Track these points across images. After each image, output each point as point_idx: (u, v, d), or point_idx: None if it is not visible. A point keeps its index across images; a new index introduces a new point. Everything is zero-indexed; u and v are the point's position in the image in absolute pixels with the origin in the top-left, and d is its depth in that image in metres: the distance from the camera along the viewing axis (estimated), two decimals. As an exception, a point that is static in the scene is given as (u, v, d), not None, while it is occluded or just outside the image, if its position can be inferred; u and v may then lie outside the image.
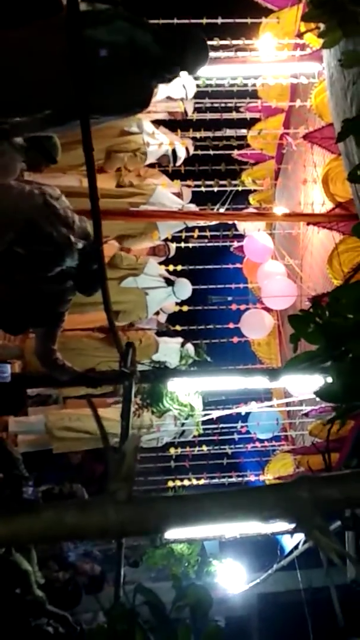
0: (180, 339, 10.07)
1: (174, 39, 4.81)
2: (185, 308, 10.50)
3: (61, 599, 7.60)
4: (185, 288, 9.78)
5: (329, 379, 2.43)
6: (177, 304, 10.30)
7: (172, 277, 9.84)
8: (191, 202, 10.29)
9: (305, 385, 8.38)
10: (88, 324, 9.04)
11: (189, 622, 2.70)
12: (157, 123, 10.07)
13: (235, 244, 11.43)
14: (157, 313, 10.37)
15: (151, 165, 10.12)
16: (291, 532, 9.72)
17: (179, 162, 10.08)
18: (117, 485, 1.60)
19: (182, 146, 9.97)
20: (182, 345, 9.78)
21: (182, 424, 9.68)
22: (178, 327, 10.44)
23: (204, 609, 2.76)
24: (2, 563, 5.92)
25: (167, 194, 9.82)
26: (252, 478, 10.38)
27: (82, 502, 1.60)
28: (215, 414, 9.81)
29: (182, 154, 10.04)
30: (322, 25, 3.98)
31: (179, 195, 10.18)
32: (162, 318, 10.80)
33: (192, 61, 4.90)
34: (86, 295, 6.13)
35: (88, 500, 1.62)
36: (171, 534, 8.99)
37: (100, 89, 4.25)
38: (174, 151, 9.96)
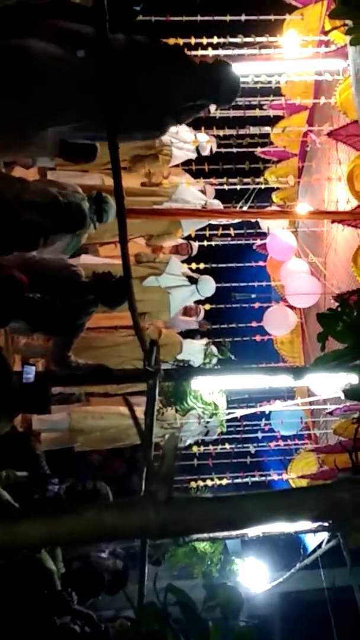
0: (204, 340, 10.05)
1: (207, 81, 4.82)
2: (207, 306, 10.49)
3: (83, 586, 7.66)
4: (208, 286, 9.73)
5: (357, 378, 2.41)
6: (200, 302, 10.27)
7: (195, 275, 9.80)
8: (215, 199, 10.25)
9: (329, 384, 8.34)
10: (112, 322, 9.04)
11: (219, 622, 2.69)
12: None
13: (259, 241, 11.39)
14: (187, 314, 10.33)
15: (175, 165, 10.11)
16: (314, 531, 9.68)
17: (205, 152, 10.03)
18: (156, 486, 1.59)
19: (206, 139, 9.92)
20: (207, 345, 9.75)
21: (206, 424, 9.66)
22: (206, 325, 10.45)
23: (235, 609, 2.75)
24: (27, 561, 5.93)
25: (190, 190, 9.80)
26: (275, 477, 10.35)
27: (122, 503, 1.59)
28: (238, 412, 9.78)
29: (205, 147, 10.00)
30: (349, 22, 3.96)
31: (202, 192, 10.17)
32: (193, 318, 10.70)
33: (225, 99, 5.09)
34: (111, 308, 6.21)
35: (128, 500, 1.61)
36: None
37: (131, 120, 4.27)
38: (196, 148, 9.95)
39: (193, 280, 9.62)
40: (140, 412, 7.74)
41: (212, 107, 9.74)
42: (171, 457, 1.63)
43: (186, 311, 10.30)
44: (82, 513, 1.55)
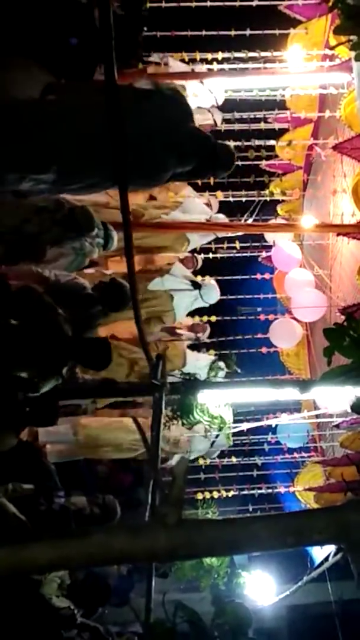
0: (210, 353, 10.03)
1: (206, 163, 4.94)
2: (213, 318, 10.49)
3: (89, 595, 7.68)
4: (212, 292, 9.67)
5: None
6: (206, 314, 10.27)
7: (198, 280, 9.77)
8: (220, 212, 10.26)
9: (335, 397, 8.33)
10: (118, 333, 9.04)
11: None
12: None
13: (264, 254, 11.41)
14: (193, 330, 10.31)
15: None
16: (322, 545, 9.64)
17: None
18: (166, 509, 1.60)
19: None
20: (214, 362, 9.71)
21: (213, 442, 9.64)
22: (207, 339, 10.43)
23: (244, 627, 2.75)
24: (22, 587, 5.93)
25: (196, 204, 9.81)
26: (282, 490, 10.32)
27: (132, 526, 1.59)
28: (245, 425, 9.77)
29: None
30: (353, 38, 3.98)
31: (208, 205, 10.18)
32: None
33: (221, 173, 5.32)
34: (116, 312, 6.26)
35: (138, 523, 1.61)
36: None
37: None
38: None
39: (197, 285, 9.58)
40: (147, 424, 7.76)
41: (218, 120, 9.80)
42: (181, 481, 1.63)
43: (192, 327, 10.28)
44: (91, 537, 1.55)
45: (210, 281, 9.96)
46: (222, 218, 10.03)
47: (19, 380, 5.66)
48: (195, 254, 10.40)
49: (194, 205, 9.79)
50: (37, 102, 4.59)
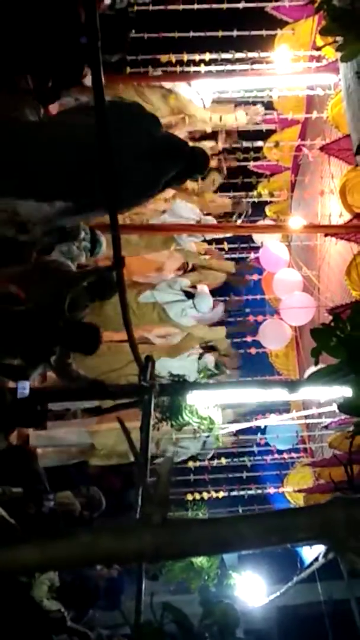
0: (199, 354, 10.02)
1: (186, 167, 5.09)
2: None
3: (79, 597, 7.70)
4: (205, 300, 9.68)
5: (351, 392, 2.43)
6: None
7: (191, 290, 9.78)
8: (209, 215, 10.26)
9: (324, 398, 8.34)
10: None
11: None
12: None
13: (252, 255, 11.43)
14: None
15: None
16: (310, 544, 9.66)
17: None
18: (151, 509, 1.60)
19: None
20: (200, 357, 9.72)
21: (204, 443, 9.64)
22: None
23: (232, 627, 2.75)
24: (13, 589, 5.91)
25: (185, 206, 9.81)
26: (272, 490, 10.33)
27: (117, 527, 1.60)
28: (234, 426, 9.77)
29: None
30: (339, 38, 3.99)
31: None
32: None
33: (197, 176, 5.81)
34: (101, 299, 6.28)
35: (123, 525, 1.61)
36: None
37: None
38: None
39: (189, 295, 9.59)
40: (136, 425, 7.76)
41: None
42: (166, 480, 1.63)
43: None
44: (77, 538, 1.55)
45: (203, 289, 9.94)
46: (210, 220, 10.04)
47: (6, 368, 5.67)
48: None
49: (184, 208, 9.79)
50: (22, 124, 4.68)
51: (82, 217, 5.31)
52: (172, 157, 4.87)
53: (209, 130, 9.79)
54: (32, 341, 5.40)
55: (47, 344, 5.58)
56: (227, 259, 11.26)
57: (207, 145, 9.86)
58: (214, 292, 10.14)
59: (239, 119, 9.74)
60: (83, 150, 4.23)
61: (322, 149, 8.61)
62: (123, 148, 4.31)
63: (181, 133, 9.71)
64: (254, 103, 9.91)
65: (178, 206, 9.59)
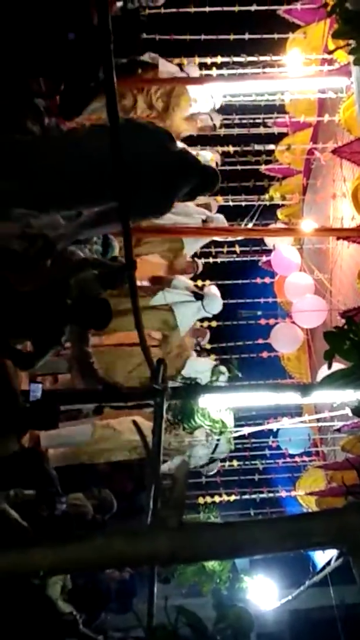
0: (211, 361, 9.98)
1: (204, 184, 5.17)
2: (214, 324, 10.48)
3: (91, 599, 7.70)
4: (215, 302, 9.62)
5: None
6: (206, 319, 10.25)
7: (200, 292, 9.75)
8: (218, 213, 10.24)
9: (337, 401, 8.33)
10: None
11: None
12: (185, 140, 10.06)
13: (264, 258, 11.42)
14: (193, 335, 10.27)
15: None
16: (324, 548, 9.64)
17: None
18: (167, 512, 1.60)
19: (210, 156, 9.90)
20: (215, 366, 9.68)
21: (215, 446, 9.61)
22: (207, 345, 10.43)
23: (246, 631, 2.74)
24: (27, 589, 5.91)
25: (190, 206, 9.78)
26: (284, 494, 10.32)
27: (132, 530, 1.59)
28: (246, 430, 9.76)
29: (208, 161, 9.94)
30: (352, 42, 3.99)
31: (206, 208, 10.15)
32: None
33: (207, 193, 5.68)
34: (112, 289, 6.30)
35: (139, 528, 1.61)
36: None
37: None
38: None
39: (198, 296, 9.57)
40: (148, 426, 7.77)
41: (217, 122, 9.78)
42: (182, 484, 1.63)
43: (193, 332, 10.26)
44: (92, 540, 1.56)
45: (212, 290, 9.92)
46: (221, 219, 10.01)
47: (17, 353, 5.68)
48: (196, 259, 10.40)
49: (189, 207, 9.74)
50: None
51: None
52: (187, 174, 4.91)
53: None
54: (39, 320, 5.41)
55: (56, 323, 5.57)
56: (239, 261, 11.26)
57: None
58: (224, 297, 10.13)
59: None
60: (98, 161, 4.27)
61: (334, 152, 8.58)
62: (138, 161, 4.33)
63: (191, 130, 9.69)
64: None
65: (183, 206, 9.54)
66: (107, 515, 7.24)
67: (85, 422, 9.06)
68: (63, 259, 5.86)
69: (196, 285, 10.02)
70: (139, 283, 9.30)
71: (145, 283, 9.50)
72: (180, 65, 9.20)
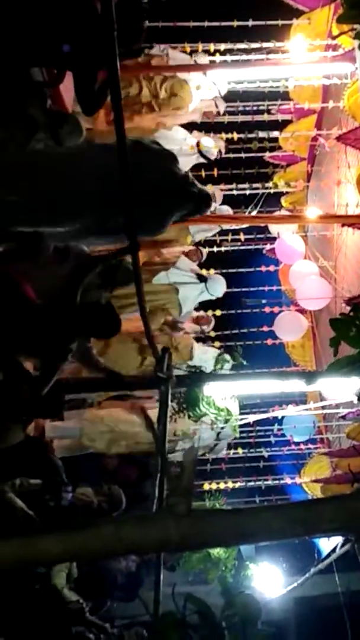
0: (216, 350, 9.98)
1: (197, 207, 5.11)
2: (218, 312, 10.49)
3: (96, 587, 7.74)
4: (218, 284, 9.64)
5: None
6: (211, 307, 10.25)
7: (204, 274, 9.75)
8: (224, 204, 10.22)
9: (342, 388, 8.32)
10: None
11: (237, 630, 2.68)
12: (188, 126, 10.01)
13: (268, 246, 11.40)
14: (198, 322, 10.27)
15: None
16: (333, 535, 9.65)
17: (212, 157, 9.94)
18: (176, 499, 1.59)
19: (212, 143, 9.83)
20: (220, 354, 9.68)
21: (218, 434, 9.64)
22: (212, 333, 10.44)
23: (254, 618, 2.75)
24: (34, 579, 5.93)
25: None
26: (289, 481, 10.33)
27: (141, 517, 1.59)
28: (251, 417, 9.77)
29: (211, 148, 9.88)
30: (356, 26, 3.96)
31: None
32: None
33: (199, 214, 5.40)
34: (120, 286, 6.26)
35: (148, 514, 1.61)
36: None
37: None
38: (201, 153, 9.85)
39: (202, 279, 9.57)
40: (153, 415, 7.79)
41: (222, 108, 9.72)
42: (190, 471, 1.62)
43: (197, 319, 10.26)
44: (101, 529, 1.55)
45: (215, 274, 9.93)
46: (225, 210, 10.00)
47: (24, 375, 5.61)
48: (200, 247, 10.38)
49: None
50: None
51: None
52: (184, 200, 4.91)
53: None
54: (46, 340, 5.33)
55: (63, 342, 5.50)
56: (244, 250, 11.25)
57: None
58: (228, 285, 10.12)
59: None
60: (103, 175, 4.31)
61: (338, 138, 8.54)
62: (141, 180, 4.32)
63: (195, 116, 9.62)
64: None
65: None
66: (115, 513, 7.20)
67: (79, 414, 9.09)
68: (74, 258, 5.82)
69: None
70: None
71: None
72: (191, 54, 9.16)
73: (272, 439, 10.19)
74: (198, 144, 9.59)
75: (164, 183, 4.76)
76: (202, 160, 9.79)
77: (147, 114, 8.74)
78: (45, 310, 5.23)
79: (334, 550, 10.32)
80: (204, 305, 10.21)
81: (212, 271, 10.29)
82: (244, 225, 10.37)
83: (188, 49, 9.13)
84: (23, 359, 5.63)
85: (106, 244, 5.64)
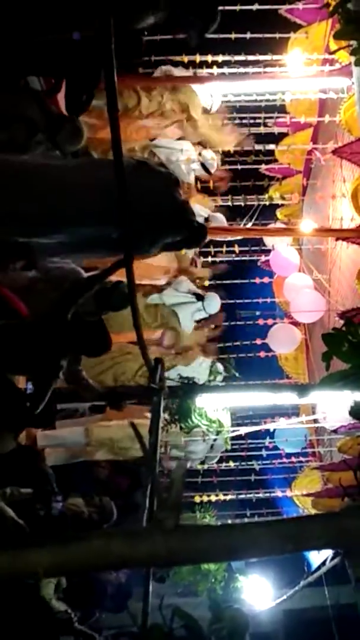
0: (209, 357, 9.99)
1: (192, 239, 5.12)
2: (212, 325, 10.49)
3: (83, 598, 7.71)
4: (214, 302, 9.70)
5: (362, 397, 2.42)
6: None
7: (201, 293, 9.78)
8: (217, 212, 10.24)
9: (334, 402, 8.32)
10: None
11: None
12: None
13: (263, 258, 11.42)
14: None
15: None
16: (320, 549, 9.64)
17: (212, 169, 9.96)
18: (164, 514, 1.59)
19: (211, 155, 9.86)
20: (213, 364, 9.69)
21: (211, 446, 9.63)
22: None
23: (241, 632, 2.74)
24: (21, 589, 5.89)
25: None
26: (280, 494, 10.32)
27: (130, 531, 1.58)
28: (243, 430, 9.76)
29: (212, 162, 9.91)
30: (353, 42, 3.98)
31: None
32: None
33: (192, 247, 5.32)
34: (114, 311, 6.22)
35: (137, 529, 1.60)
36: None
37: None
38: (202, 165, 9.89)
39: (199, 297, 9.61)
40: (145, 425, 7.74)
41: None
42: (179, 485, 1.62)
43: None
44: (90, 542, 1.54)
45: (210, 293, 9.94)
46: (220, 218, 10.02)
47: (17, 395, 5.58)
48: (195, 257, 10.39)
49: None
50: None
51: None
52: (180, 226, 4.89)
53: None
54: (40, 352, 5.30)
55: (55, 355, 5.47)
56: (238, 261, 11.26)
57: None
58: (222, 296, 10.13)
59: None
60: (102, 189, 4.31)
61: (334, 152, 8.56)
62: (140, 199, 4.32)
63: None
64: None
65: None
66: (106, 525, 7.16)
67: (79, 422, 9.07)
68: (61, 278, 5.80)
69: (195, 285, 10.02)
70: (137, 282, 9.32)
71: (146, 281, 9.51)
72: (188, 66, 9.18)
73: (264, 452, 10.17)
74: (200, 155, 9.65)
75: (163, 205, 4.74)
76: (203, 172, 9.84)
77: (146, 124, 8.78)
78: (35, 326, 5.21)
79: (323, 563, 10.34)
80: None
81: (206, 282, 10.29)
82: (239, 237, 10.37)
83: (186, 61, 9.14)
84: (14, 374, 5.60)
85: (101, 257, 5.62)
